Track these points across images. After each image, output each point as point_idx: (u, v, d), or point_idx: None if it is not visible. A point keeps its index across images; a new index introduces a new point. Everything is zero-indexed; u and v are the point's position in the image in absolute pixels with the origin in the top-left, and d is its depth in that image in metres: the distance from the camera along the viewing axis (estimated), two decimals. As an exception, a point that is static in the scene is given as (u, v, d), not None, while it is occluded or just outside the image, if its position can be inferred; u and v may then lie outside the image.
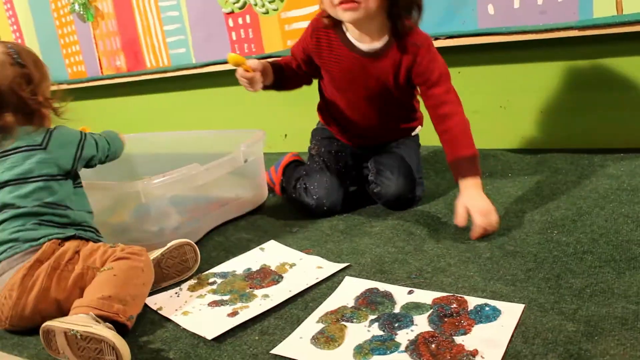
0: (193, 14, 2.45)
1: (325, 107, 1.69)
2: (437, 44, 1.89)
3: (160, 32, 2.58)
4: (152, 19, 2.58)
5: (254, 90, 1.53)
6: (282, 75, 1.61)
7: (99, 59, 2.86)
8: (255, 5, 2.25)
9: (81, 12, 2.78)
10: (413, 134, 1.69)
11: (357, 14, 1.37)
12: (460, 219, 1.34)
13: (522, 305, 1.00)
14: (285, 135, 2.39)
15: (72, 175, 1.31)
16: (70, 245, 1.20)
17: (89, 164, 1.36)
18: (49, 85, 1.33)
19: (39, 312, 1.13)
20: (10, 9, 3.11)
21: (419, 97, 1.60)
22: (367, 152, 1.66)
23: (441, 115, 1.43)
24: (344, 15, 1.39)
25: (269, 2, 2.21)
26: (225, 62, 2.34)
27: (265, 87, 1.58)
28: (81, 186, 1.34)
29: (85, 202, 1.33)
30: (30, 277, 1.14)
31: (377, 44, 1.47)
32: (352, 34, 1.48)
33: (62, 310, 1.12)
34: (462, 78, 1.96)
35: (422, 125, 1.70)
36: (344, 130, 1.67)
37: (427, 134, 2.06)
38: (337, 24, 1.48)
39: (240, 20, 2.32)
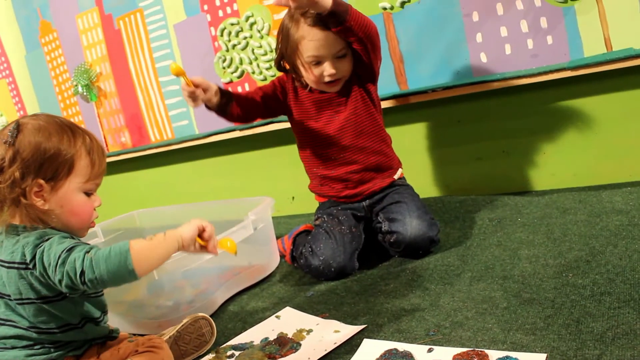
0: (193, 86, 2.50)
1: (307, 159, 1.75)
2: (435, 95, 1.93)
3: (163, 106, 2.63)
4: (154, 94, 2.64)
5: (195, 105, 1.58)
6: (230, 99, 1.66)
7: (104, 137, 2.91)
8: (253, 73, 2.30)
9: (84, 93, 2.85)
10: (396, 177, 1.71)
11: (338, 86, 1.64)
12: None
13: (544, 355, 0.98)
14: (293, 197, 2.40)
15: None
16: (90, 354, 1.14)
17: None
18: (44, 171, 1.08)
19: None
20: (17, 95, 3.19)
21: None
22: (366, 209, 1.69)
23: None
24: (330, 88, 1.64)
25: (266, 69, 2.26)
26: (229, 131, 2.40)
27: (208, 108, 1.64)
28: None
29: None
30: None
31: None
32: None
33: None
34: (461, 127, 1.98)
35: (401, 168, 1.75)
36: (331, 178, 1.70)
37: (432, 186, 2.09)
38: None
39: (239, 89, 2.37)
